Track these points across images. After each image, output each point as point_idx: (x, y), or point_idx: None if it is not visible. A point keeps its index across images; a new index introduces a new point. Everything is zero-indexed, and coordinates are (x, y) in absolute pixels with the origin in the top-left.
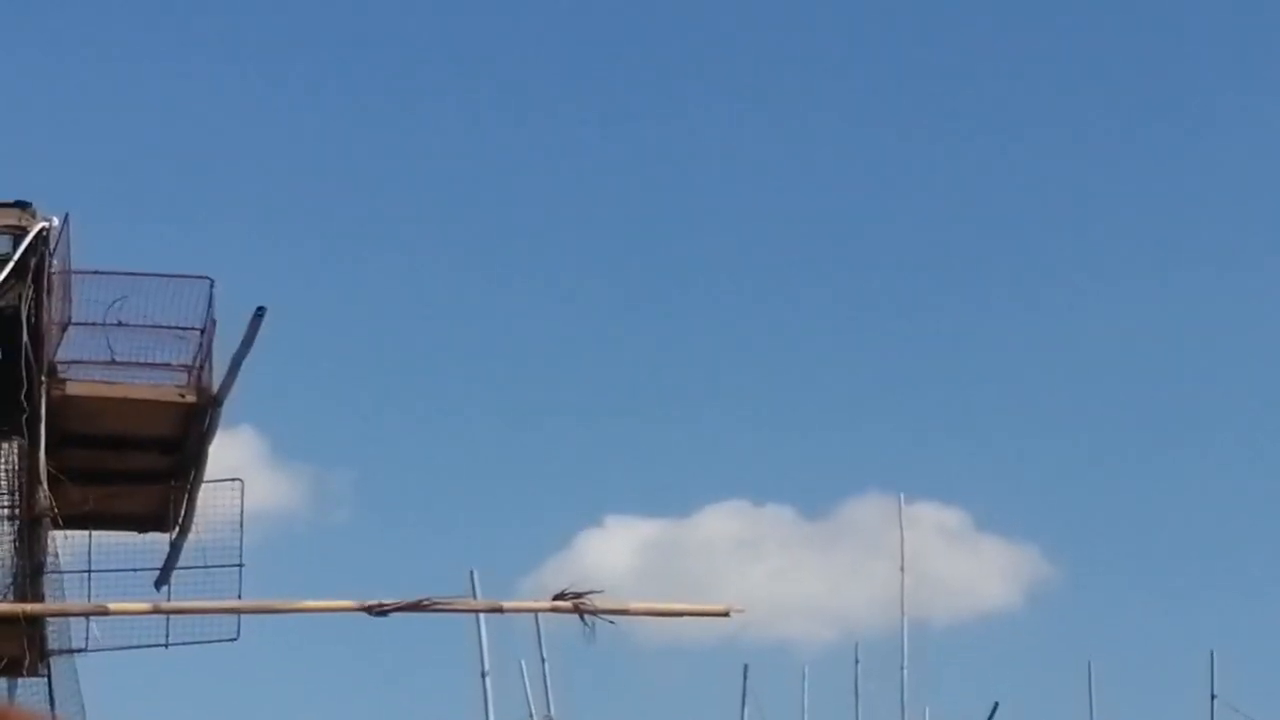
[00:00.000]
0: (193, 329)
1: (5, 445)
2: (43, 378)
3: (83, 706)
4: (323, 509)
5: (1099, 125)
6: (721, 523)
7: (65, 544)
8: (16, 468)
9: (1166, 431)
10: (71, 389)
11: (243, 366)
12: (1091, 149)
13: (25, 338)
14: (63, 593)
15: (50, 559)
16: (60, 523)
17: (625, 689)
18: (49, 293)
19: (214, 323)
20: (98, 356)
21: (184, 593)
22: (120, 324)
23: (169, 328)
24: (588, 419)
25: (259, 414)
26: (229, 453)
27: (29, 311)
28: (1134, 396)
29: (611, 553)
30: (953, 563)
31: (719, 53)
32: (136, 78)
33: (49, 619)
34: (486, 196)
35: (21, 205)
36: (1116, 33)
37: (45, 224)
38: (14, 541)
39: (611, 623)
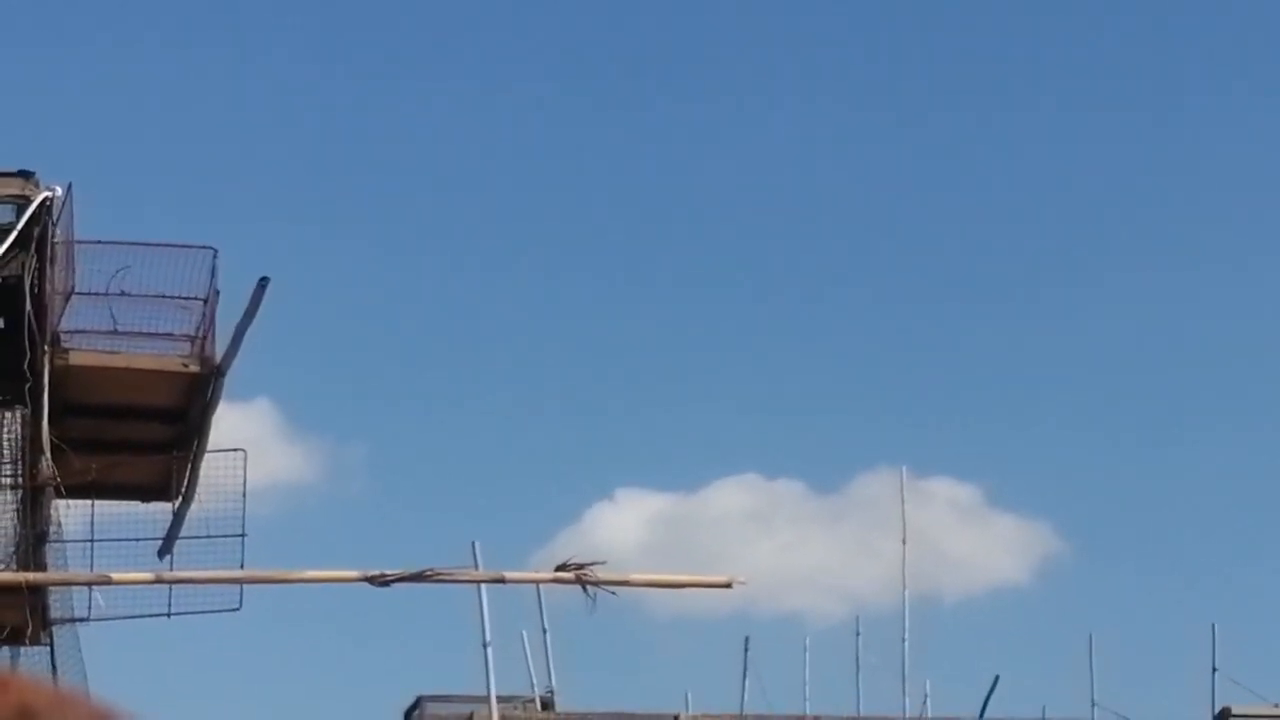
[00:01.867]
0: (196, 299)
1: (8, 414)
2: (46, 347)
3: (85, 675)
4: (337, 481)
5: (1116, 113)
6: (732, 497)
7: (68, 513)
8: (20, 437)
9: (1175, 410)
10: (75, 359)
11: (246, 336)
12: (1106, 136)
13: (28, 307)
14: (65, 562)
15: (53, 528)
16: (63, 492)
17: (634, 661)
18: (52, 262)
19: (217, 293)
20: (101, 326)
21: (187, 562)
22: (123, 294)
23: (172, 298)
24: (599, 393)
25: (275, 386)
26: (245, 424)
27: (32, 281)
28: (1144, 376)
29: (622, 526)
30: (965, 538)
31: (717, 38)
32: (139, 47)
33: (52, 588)
34: (499, 173)
35: (25, 175)
36: (1119, 29)
37: (48, 194)
38: (17, 510)
39: (613, 593)
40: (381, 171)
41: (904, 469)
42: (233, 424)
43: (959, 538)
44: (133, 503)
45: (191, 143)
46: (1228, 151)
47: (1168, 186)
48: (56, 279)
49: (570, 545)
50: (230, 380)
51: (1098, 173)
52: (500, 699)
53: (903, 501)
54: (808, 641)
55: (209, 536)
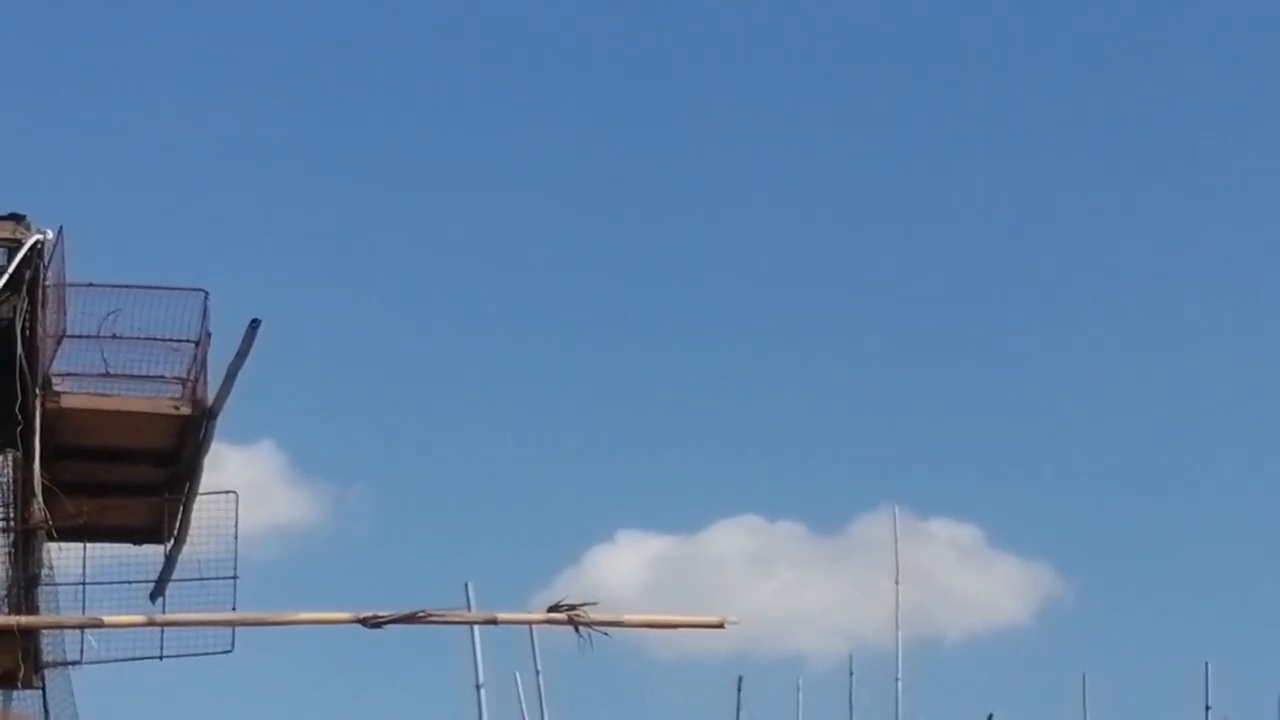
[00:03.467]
0: (187, 341)
1: (0, 458)
2: (37, 390)
3: (77, 719)
4: (341, 524)
5: (1123, 149)
6: (733, 539)
7: (60, 556)
8: (11, 480)
9: (1174, 453)
10: (66, 401)
11: (238, 378)
12: (1107, 183)
13: (20, 350)
14: (57, 605)
15: (45, 571)
16: (55, 535)
17: (634, 703)
18: (43, 305)
19: (208, 335)
20: (92, 369)
21: (179, 605)
22: (115, 336)
23: (163, 340)
24: (600, 436)
25: (278, 429)
26: (249, 467)
27: (23, 324)
28: (1145, 418)
29: (623, 568)
30: (966, 579)
31: (725, 69)
32: (131, 91)
33: (44, 631)
34: (498, 214)
35: (16, 218)
36: (1122, 62)
37: (40, 237)
38: (9, 553)
39: (606, 634)
40: (380, 217)
41: (896, 509)
42: (238, 467)
43: (960, 578)
44: (125, 545)
45: (184, 185)
46: (1227, 196)
47: (1165, 234)
48: (48, 322)
49: (570, 587)
50: (234, 423)
51: (1096, 219)
52: None
53: (895, 541)
54: (800, 682)
55: (201, 579)
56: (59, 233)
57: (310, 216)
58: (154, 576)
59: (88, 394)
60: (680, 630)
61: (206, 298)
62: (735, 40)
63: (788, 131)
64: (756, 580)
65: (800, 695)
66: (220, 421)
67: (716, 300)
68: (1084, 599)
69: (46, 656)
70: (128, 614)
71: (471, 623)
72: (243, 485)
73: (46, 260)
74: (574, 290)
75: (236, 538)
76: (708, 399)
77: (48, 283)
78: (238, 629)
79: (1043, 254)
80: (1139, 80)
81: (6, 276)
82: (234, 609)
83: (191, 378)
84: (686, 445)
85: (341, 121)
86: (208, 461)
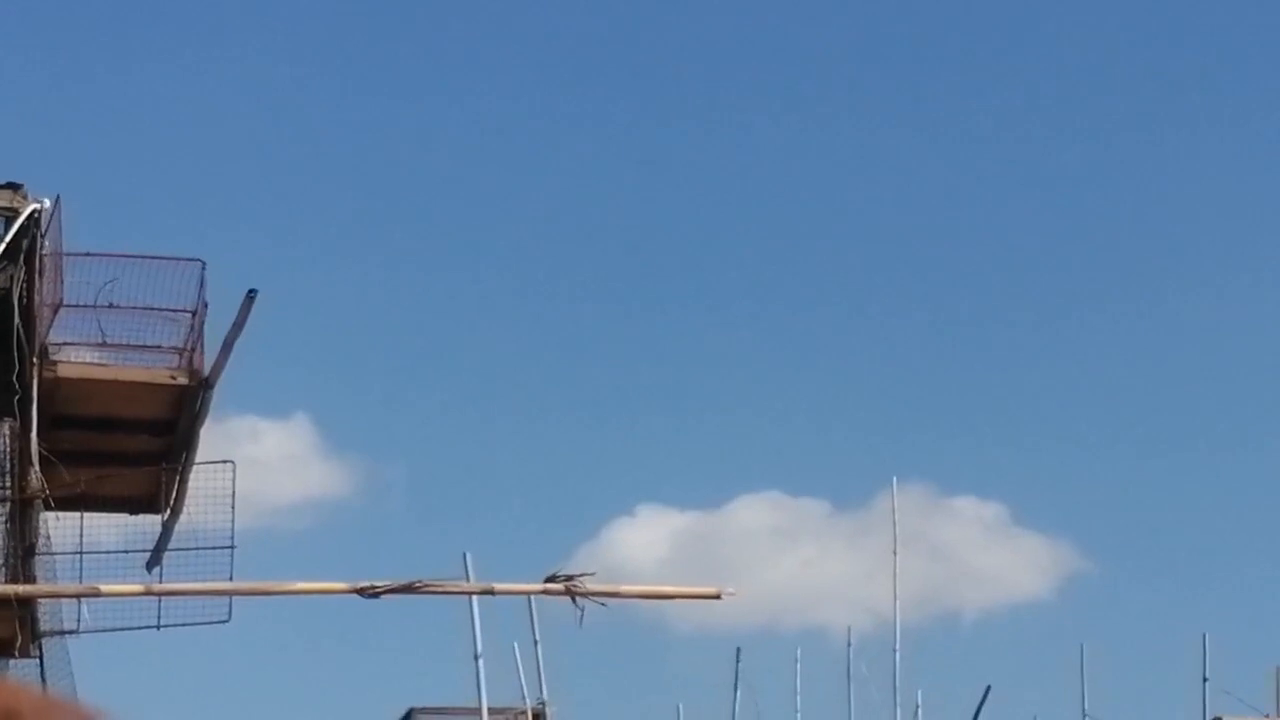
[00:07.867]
0: (184, 311)
1: None
2: (34, 359)
3: (74, 688)
4: (372, 498)
5: (1139, 135)
6: (755, 514)
7: (57, 526)
8: (8, 449)
9: (1197, 429)
10: (63, 371)
11: (235, 348)
12: (1129, 157)
13: (17, 319)
14: (54, 574)
15: (42, 541)
16: (52, 504)
17: (641, 675)
18: (40, 274)
19: (205, 305)
20: (89, 338)
21: (176, 575)
22: (112, 306)
23: (160, 310)
24: (623, 410)
25: (312, 403)
26: (285, 442)
27: (20, 293)
28: (1163, 397)
29: (643, 543)
30: (989, 555)
31: (728, 51)
32: (129, 60)
33: (41, 600)
34: (520, 187)
35: (13, 187)
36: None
37: (37, 206)
38: (6, 523)
39: (603, 604)
40: (400, 191)
41: (895, 478)
42: (274, 440)
43: (983, 555)
44: (121, 515)
45: (182, 154)
46: (1252, 171)
47: (1184, 210)
48: (45, 291)
49: (588, 561)
50: (267, 396)
51: (1118, 194)
52: (492, 711)
53: (894, 511)
54: (799, 653)
55: (198, 548)
56: (56, 202)
57: (318, 188)
58: (151, 546)
59: (85, 363)
60: (702, 604)
61: (204, 268)
62: (740, 33)
63: (813, 109)
64: (779, 555)
65: (799, 666)
66: (222, 392)
67: (741, 274)
68: (1106, 576)
69: (44, 626)
70: (125, 583)
71: (468, 593)
72: (277, 458)
73: (43, 229)
74: (598, 265)
75: (234, 507)
76: (730, 373)
77: (45, 252)
78: (236, 599)
79: (1063, 233)
80: (1135, 81)
81: (3, 245)
82: (231, 579)
83: (188, 348)
84: (709, 420)
85: (347, 91)
86: (236, 433)
